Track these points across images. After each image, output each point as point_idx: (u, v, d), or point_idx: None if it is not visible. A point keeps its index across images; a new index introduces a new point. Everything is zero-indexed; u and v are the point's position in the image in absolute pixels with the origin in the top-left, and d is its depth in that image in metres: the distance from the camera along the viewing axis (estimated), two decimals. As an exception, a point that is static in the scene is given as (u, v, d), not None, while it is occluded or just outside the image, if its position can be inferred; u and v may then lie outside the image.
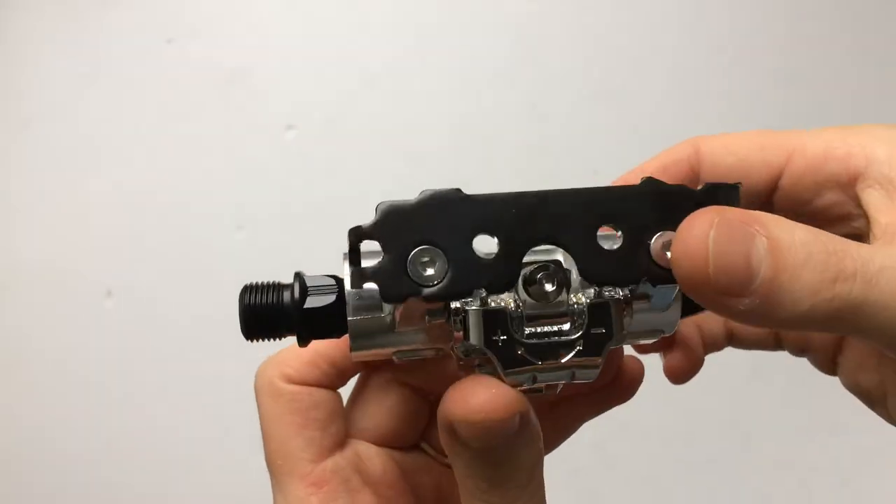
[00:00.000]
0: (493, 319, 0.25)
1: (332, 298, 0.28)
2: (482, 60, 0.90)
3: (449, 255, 0.24)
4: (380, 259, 0.24)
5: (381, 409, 0.33)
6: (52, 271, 0.84)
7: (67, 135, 0.86)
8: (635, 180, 0.27)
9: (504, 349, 0.25)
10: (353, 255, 0.25)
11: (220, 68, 0.87)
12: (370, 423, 0.33)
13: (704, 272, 0.22)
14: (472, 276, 0.24)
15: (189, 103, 0.87)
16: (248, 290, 0.29)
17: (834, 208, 0.29)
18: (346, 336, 0.32)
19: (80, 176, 0.86)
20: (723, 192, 0.26)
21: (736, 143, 0.30)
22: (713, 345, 0.36)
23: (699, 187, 0.26)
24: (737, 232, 0.23)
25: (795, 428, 0.87)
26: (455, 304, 0.26)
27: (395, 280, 0.24)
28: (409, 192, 0.25)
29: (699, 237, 0.23)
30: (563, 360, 0.26)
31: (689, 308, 0.30)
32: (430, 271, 0.24)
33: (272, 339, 0.29)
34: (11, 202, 0.86)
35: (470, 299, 0.26)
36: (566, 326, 0.26)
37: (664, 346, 0.35)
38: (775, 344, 0.35)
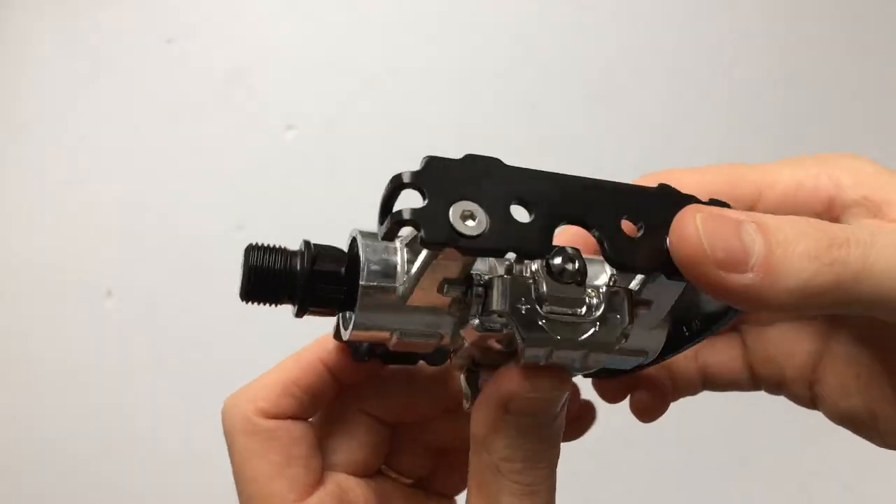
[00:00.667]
0: (519, 288, 0.26)
1: (341, 266, 0.28)
2: (482, 60, 0.90)
3: (488, 213, 0.24)
4: (421, 204, 0.24)
5: (353, 440, 0.33)
6: (52, 271, 0.84)
7: (67, 135, 0.86)
8: None
9: (527, 318, 0.26)
10: (389, 204, 0.24)
11: (219, 68, 0.87)
12: (344, 455, 0.33)
13: (701, 249, 0.24)
14: (510, 236, 0.24)
15: (189, 103, 0.87)
16: (254, 250, 0.28)
17: None
18: (329, 338, 0.32)
19: (79, 176, 0.86)
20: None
21: (706, 179, 0.31)
22: (686, 387, 0.35)
23: (706, 200, 0.28)
24: (723, 218, 0.24)
25: (796, 432, 0.87)
26: (477, 274, 0.26)
27: (437, 225, 0.23)
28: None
29: (689, 223, 0.24)
30: (580, 339, 0.26)
31: (671, 346, 0.31)
32: (470, 223, 0.24)
33: (269, 304, 0.29)
34: (11, 202, 0.86)
35: (489, 275, 0.26)
36: (582, 311, 0.27)
37: (631, 387, 0.35)
38: (751, 383, 0.35)
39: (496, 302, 0.26)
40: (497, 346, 0.27)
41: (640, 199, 0.26)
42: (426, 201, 0.24)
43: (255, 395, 0.31)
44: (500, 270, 0.27)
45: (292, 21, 0.89)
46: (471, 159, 0.25)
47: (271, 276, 0.28)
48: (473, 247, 0.24)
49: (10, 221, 0.85)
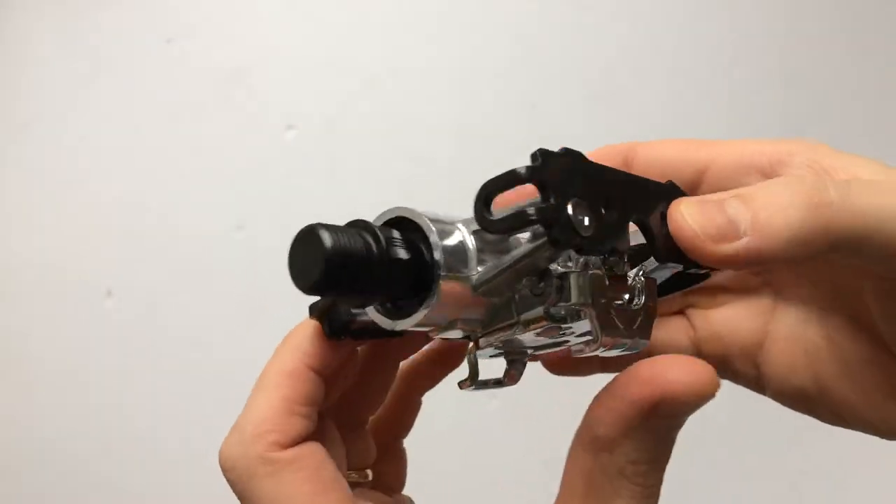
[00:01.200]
0: (598, 281, 0.26)
1: (405, 254, 0.25)
2: (482, 60, 0.90)
3: (592, 211, 0.24)
4: (542, 202, 0.23)
5: (333, 450, 0.30)
6: (52, 271, 0.84)
7: (67, 135, 0.86)
8: None
9: (604, 311, 0.26)
10: (491, 197, 0.23)
11: (220, 68, 0.87)
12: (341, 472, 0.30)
13: (693, 233, 0.25)
14: (610, 235, 0.24)
15: (189, 103, 0.87)
16: (328, 229, 0.23)
17: None
18: (304, 337, 0.30)
19: (79, 176, 0.86)
20: None
21: (668, 143, 0.32)
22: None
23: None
24: (705, 202, 0.26)
25: (786, 431, 0.87)
26: (553, 267, 0.26)
27: (562, 225, 0.23)
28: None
29: (676, 213, 0.26)
30: (635, 327, 0.27)
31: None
32: (585, 222, 0.23)
33: (339, 297, 0.25)
34: (11, 202, 0.86)
35: (563, 268, 0.26)
36: (626, 297, 0.28)
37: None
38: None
39: (576, 295, 0.25)
40: (555, 333, 0.27)
41: (662, 195, 0.27)
42: (551, 199, 0.23)
43: (258, 430, 0.27)
44: (580, 263, 0.26)
45: (292, 21, 0.89)
46: (566, 153, 0.24)
47: (351, 264, 0.23)
48: (590, 248, 0.24)
49: (10, 221, 0.85)
